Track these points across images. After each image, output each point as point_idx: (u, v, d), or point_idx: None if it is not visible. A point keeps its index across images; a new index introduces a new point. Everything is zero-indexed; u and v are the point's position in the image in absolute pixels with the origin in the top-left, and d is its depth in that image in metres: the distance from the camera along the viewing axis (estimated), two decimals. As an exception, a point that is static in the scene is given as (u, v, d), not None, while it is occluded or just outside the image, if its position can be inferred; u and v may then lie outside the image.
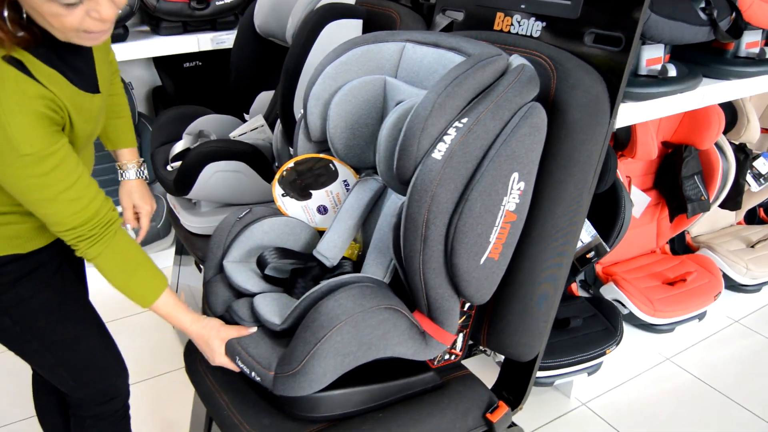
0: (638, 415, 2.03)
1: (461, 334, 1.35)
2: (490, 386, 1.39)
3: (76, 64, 1.13)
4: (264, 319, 1.18)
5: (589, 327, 2.00)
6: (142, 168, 1.52)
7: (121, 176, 1.50)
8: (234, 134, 1.92)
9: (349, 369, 1.10)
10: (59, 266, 1.30)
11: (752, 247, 2.51)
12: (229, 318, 1.26)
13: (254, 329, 1.20)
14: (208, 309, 1.29)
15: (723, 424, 2.01)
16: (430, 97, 1.03)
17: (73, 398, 1.39)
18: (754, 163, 2.46)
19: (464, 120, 1.03)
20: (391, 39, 1.30)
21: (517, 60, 1.12)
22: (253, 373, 1.14)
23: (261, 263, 1.30)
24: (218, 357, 1.20)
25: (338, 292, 1.08)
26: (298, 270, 1.30)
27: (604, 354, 1.96)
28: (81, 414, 1.41)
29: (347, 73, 1.30)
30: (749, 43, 1.82)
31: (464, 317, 1.32)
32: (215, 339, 1.20)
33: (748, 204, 2.62)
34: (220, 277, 1.34)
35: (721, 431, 1.98)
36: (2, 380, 2.14)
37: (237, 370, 1.21)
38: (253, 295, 1.27)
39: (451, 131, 1.03)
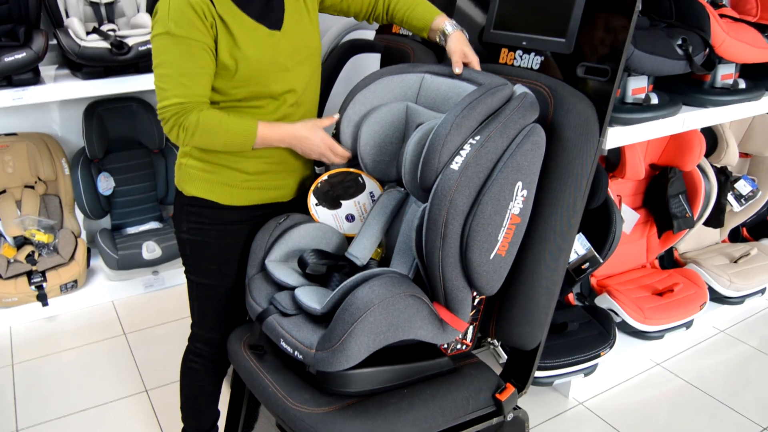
0: (632, 413, 2.19)
1: (471, 327, 1.53)
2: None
3: None
4: (305, 305, 1.36)
5: (585, 331, 2.18)
6: (454, 22, 1.56)
7: (442, 38, 1.54)
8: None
9: (379, 347, 1.27)
10: (245, 241, 1.58)
11: (735, 262, 2.70)
12: (272, 309, 1.44)
13: (337, 116, 1.53)
14: (253, 302, 1.47)
15: (715, 425, 2.16)
16: (449, 118, 1.24)
17: (192, 329, 1.71)
18: (736, 185, 2.65)
19: (477, 137, 1.24)
20: (413, 71, 1.52)
21: (520, 89, 1.34)
22: (296, 353, 1.32)
23: (302, 263, 1.49)
24: (326, 141, 1.49)
25: (372, 281, 1.27)
26: (333, 267, 1.49)
27: (599, 356, 2.14)
28: (190, 345, 1.72)
29: (375, 99, 1.51)
30: (724, 75, 2.05)
31: (474, 311, 1.51)
32: (318, 128, 1.48)
33: (731, 223, 2.81)
34: (262, 275, 1.53)
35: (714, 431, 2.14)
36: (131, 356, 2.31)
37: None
38: (292, 288, 1.45)
39: (466, 147, 1.24)
